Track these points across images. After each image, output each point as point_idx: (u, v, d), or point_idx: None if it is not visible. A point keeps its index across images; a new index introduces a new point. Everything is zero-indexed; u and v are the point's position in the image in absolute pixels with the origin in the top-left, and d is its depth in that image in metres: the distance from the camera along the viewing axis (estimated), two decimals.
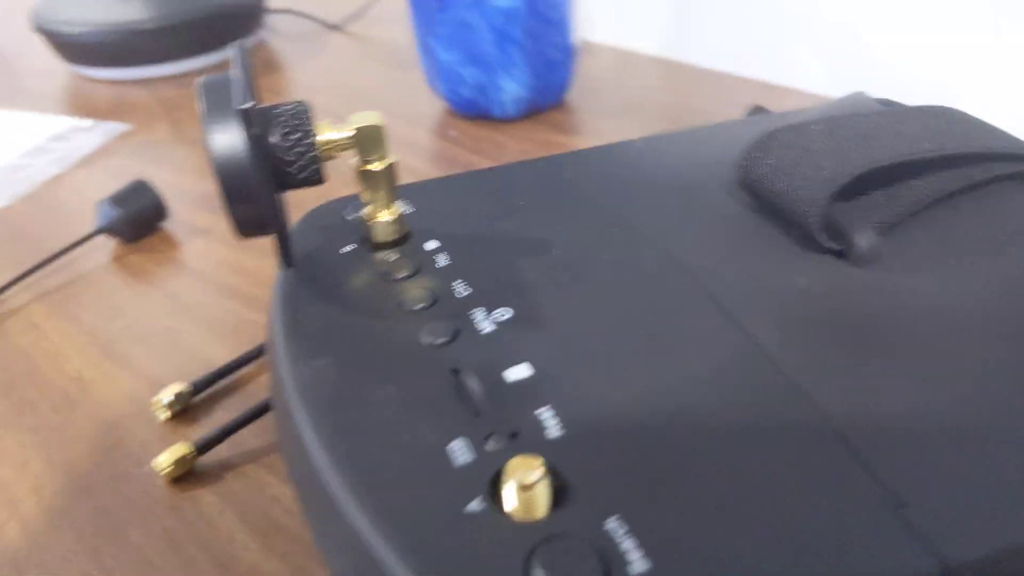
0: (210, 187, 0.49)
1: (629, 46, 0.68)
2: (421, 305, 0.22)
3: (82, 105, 0.62)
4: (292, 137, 0.21)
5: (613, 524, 0.16)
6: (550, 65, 0.53)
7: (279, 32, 0.76)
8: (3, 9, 0.88)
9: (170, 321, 0.37)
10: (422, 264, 0.24)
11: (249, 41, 0.70)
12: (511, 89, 0.52)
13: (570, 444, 0.18)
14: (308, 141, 0.21)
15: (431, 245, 0.25)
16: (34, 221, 0.47)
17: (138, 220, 0.43)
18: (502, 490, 0.16)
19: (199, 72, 0.66)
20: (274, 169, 0.21)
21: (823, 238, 0.24)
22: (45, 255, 0.41)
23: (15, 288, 0.40)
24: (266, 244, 0.43)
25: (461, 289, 0.23)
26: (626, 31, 0.68)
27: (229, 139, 0.20)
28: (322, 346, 0.21)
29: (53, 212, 0.48)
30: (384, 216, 0.24)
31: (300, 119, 0.21)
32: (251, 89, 0.20)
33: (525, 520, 0.16)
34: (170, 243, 0.44)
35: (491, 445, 0.18)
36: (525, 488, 0.16)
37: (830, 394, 0.19)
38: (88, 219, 0.46)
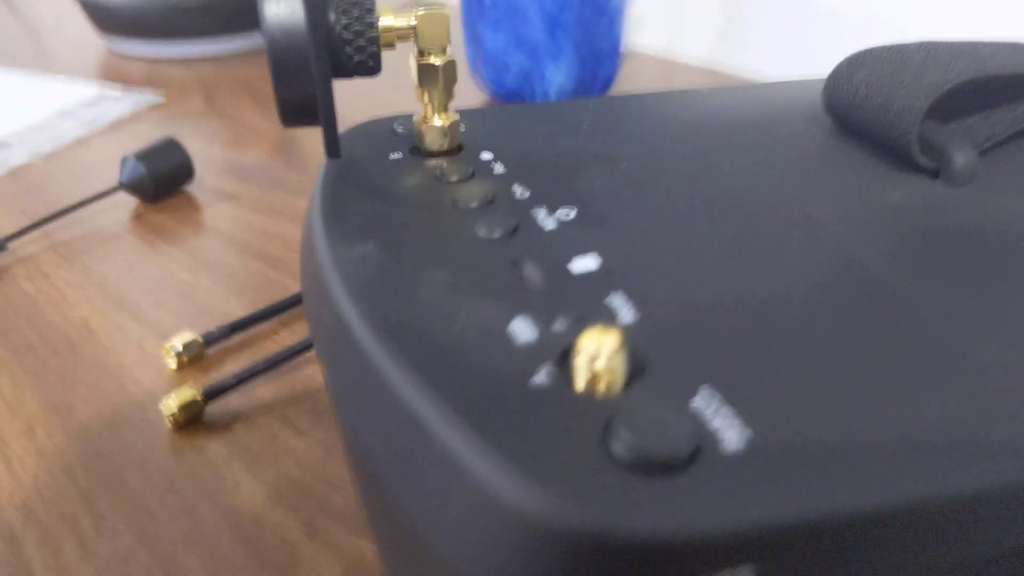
0: (240, 156, 0.47)
1: (675, 54, 0.66)
2: (476, 203, 0.20)
3: (115, 77, 0.60)
4: (352, 16, 0.19)
5: (703, 394, 0.14)
6: (598, 57, 0.51)
7: None
8: None
9: (188, 276, 0.35)
10: (477, 170, 0.21)
11: None
12: (556, 79, 0.50)
13: (645, 326, 0.16)
14: (369, 22, 0.19)
15: (486, 156, 0.22)
16: (54, 179, 0.45)
17: (163, 179, 0.41)
18: (573, 364, 0.14)
19: (238, 54, 0.65)
20: (330, 49, 0.19)
21: (918, 152, 0.21)
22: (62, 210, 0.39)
23: (26, 238, 0.38)
24: (296, 211, 0.40)
25: (520, 191, 0.20)
26: (673, 39, 0.66)
27: (286, 8, 0.18)
28: (366, 234, 0.18)
29: (74, 171, 0.46)
30: (437, 121, 0.22)
31: (366, 4, 0.19)
32: None
33: (600, 395, 0.14)
34: (194, 205, 0.42)
35: (557, 326, 0.15)
36: (601, 358, 0.14)
37: (917, 288, 0.17)
38: (111, 181, 0.44)
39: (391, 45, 0.20)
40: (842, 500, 0.12)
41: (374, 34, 0.19)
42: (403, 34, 0.20)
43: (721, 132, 0.24)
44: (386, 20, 0.20)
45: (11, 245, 0.37)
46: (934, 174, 0.22)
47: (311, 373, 0.28)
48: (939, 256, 0.18)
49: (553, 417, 0.13)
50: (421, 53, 0.21)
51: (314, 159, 0.47)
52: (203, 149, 0.48)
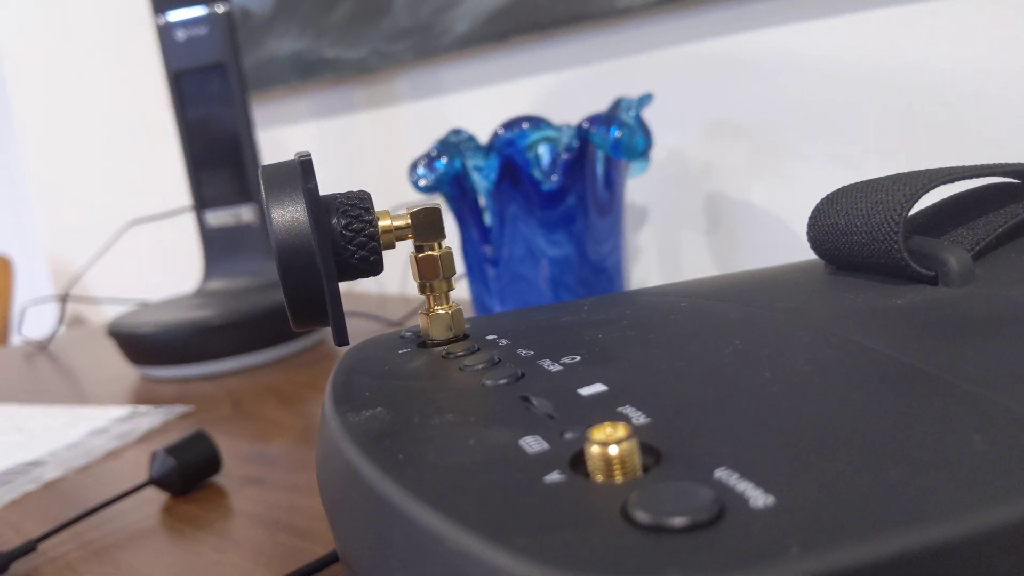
0: (265, 447, 0.48)
1: None
2: (482, 365, 0.20)
3: (147, 399, 0.63)
4: (352, 215, 0.20)
5: (721, 472, 0.13)
6: None
7: None
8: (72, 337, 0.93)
9: (216, 555, 0.34)
10: (483, 346, 0.22)
11: (313, 337, 0.72)
12: None
13: (657, 426, 0.16)
14: (367, 219, 0.21)
15: (491, 337, 0.23)
16: (86, 488, 0.45)
17: (192, 470, 0.42)
18: (587, 455, 0.14)
19: (263, 364, 0.68)
20: (334, 248, 0.20)
21: (909, 259, 0.22)
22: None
23: (56, 539, 0.38)
24: None
25: (524, 352, 0.21)
26: None
27: (291, 212, 0.20)
28: (374, 402, 0.19)
29: (106, 480, 0.46)
30: (440, 310, 0.23)
31: (363, 204, 0.21)
32: (314, 176, 0.20)
33: (617, 481, 0.13)
34: (220, 493, 0.42)
35: (569, 435, 0.15)
36: (613, 446, 0.13)
37: (948, 364, 0.17)
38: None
39: (391, 245, 0.22)
40: (870, 542, 0.12)
41: (373, 230, 0.21)
42: (401, 233, 0.22)
43: (718, 291, 0.25)
44: (384, 221, 0.22)
45: (41, 546, 0.37)
46: (932, 281, 0.22)
47: None
48: (951, 338, 0.18)
49: (571, 505, 0.13)
50: (419, 248, 0.23)
51: None
52: (230, 445, 0.49)
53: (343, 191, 0.22)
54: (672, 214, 0.68)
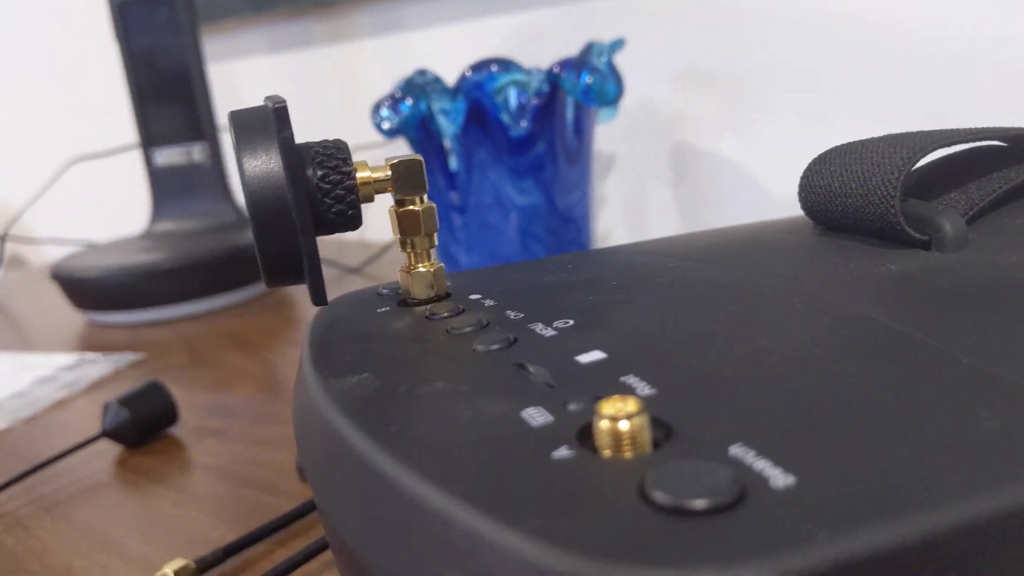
0: (224, 397, 0.46)
1: None
2: (470, 328, 0.19)
3: (95, 347, 0.60)
4: (328, 166, 0.19)
5: (737, 449, 0.13)
6: None
7: None
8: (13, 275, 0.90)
9: (174, 510, 0.33)
10: (468, 307, 0.21)
11: None
12: None
13: (664, 398, 0.15)
14: (345, 171, 0.19)
15: (475, 296, 0.22)
16: (35, 440, 0.43)
17: (147, 422, 0.40)
18: (596, 430, 0.13)
19: (216, 311, 0.66)
20: (310, 201, 0.19)
21: (904, 224, 0.22)
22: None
23: (5, 495, 0.36)
24: (287, 439, 0.39)
25: (513, 315, 0.20)
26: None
27: (264, 163, 0.18)
28: (358, 366, 0.17)
29: (55, 432, 0.44)
30: (422, 268, 0.22)
31: (340, 155, 0.19)
32: (289, 125, 0.18)
33: (627, 457, 0.13)
34: (177, 446, 0.40)
35: (572, 407, 0.14)
36: (623, 420, 0.13)
37: (947, 336, 0.16)
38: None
39: (370, 198, 0.20)
40: (896, 525, 0.11)
41: (351, 182, 0.19)
42: (380, 185, 0.21)
43: (705, 252, 0.25)
44: (362, 173, 0.20)
45: None
46: (925, 246, 0.22)
47: None
48: (948, 307, 0.18)
49: (582, 483, 0.12)
50: (400, 202, 0.21)
51: None
52: (186, 395, 0.47)
53: (317, 140, 0.20)
54: (639, 163, 0.67)
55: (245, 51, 0.96)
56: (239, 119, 0.19)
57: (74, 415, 0.46)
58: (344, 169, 0.19)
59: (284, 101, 0.18)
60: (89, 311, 0.66)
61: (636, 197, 0.68)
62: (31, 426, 0.45)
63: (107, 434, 0.39)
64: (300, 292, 0.70)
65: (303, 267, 0.19)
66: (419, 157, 0.21)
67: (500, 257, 0.51)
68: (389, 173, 0.21)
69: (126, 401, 0.40)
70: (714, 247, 0.26)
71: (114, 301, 0.64)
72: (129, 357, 0.55)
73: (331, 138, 0.20)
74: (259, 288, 0.69)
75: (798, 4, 0.56)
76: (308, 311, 0.64)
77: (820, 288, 0.20)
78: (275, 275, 0.19)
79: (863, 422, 0.14)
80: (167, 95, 0.74)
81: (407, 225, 0.22)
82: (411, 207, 0.21)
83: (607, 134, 0.68)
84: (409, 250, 0.22)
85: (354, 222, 0.20)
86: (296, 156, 0.18)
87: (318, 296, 0.19)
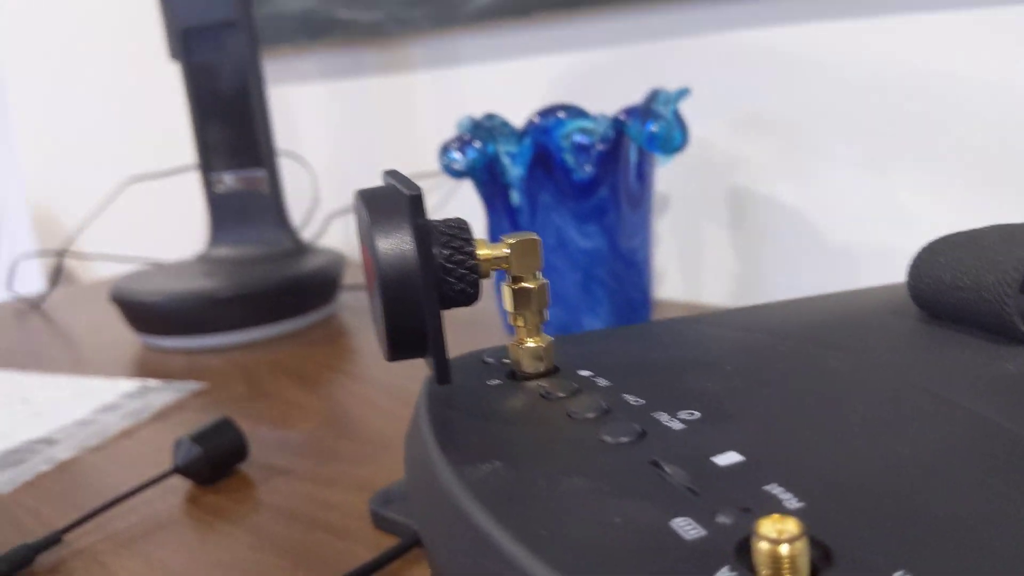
0: (289, 433, 0.47)
1: (698, 299, 0.68)
2: (593, 413, 0.19)
3: (154, 372, 0.61)
4: (453, 247, 0.19)
5: None
6: (631, 305, 0.53)
7: (349, 308, 0.77)
8: (74, 293, 0.91)
9: (252, 554, 0.34)
10: (582, 385, 0.21)
11: (324, 312, 0.71)
12: (594, 328, 0.52)
13: (815, 512, 0.15)
14: (469, 251, 0.20)
15: (585, 372, 0.22)
16: (103, 471, 0.44)
17: (219, 459, 0.41)
18: (755, 554, 0.13)
19: (271, 339, 0.67)
20: (436, 286, 0.19)
21: (1020, 322, 0.22)
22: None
23: (81, 530, 0.37)
24: (354, 480, 0.40)
25: (633, 400, 0.20)
26: (692, 287, 0.68)
27: (397, 243, 0.18)
28: (487, 452, 0.18)
29: (123, 462, 0.45)
30: (531, 343, 0.22)
31: (464, 235, 0.20)
32: (423, 212, 0.19)
33: None
34: (248, 483, 0.41)
35: (722, 519, 0.14)
36: (784, 545, 0.13)
37: None
38: (160, 468, 0.43)
39: (486, 275, 0.21)
40: None
41: (474, 262, 0.20)
42: (498, 263, 0.21)
43: (812, 332, 0.25)
44: (481, 251, 0.21)
45: (66, 537, 0.36)
46: None
47: None
48: None
49: None
50: (514, 279, 0.22)
51: (366, 430, 0.46)
52: (251, 428, 0.48)
53: (439, 219, 0.21)
54: (695, 205, 0.67)
55: (298, 76, 0.97)
56: (371, 199, 0.19)
57: (140, 444, 0.47)
58: (467, 249, 0.20)
59: (419, 189, 0.19)
60: (147, 334, 0.67)
61: (691, 239, 0.68)
62: (98, 455, 0.46)
63: (179, 470, 0.40)
64: (352, 321, 0.70)
65: (427, 344, 0.20)
66: (536, 237, 0.22)
67: (561, 298, 0.51)
68: (507, 251, 0.21)
69: (199, 438, 0.40)
70: (819, 325, 0.25)
71: (173, 326, 0.65)
72: (191, 386, 0.56)
73: (453, 217, 0.21)
74: (309, 318, 0.70)
75: (860, 54, 0.56)
76: (363, 342, 0.64)
77: (943, 386, 0.20)
78: (400, 350, 0.20)
79: (1011, 549, 0.14)
80: (227, 120, 0.75)
81: (521, 301, 0.22)
82: (524, 284, 0.22)
83: (662, 174, 0.68)
84: (521, 323, 0.22)
85: (473, 298, 0.20)
86: (429, 240, 0.19)
87: (443, 375, 0.20)
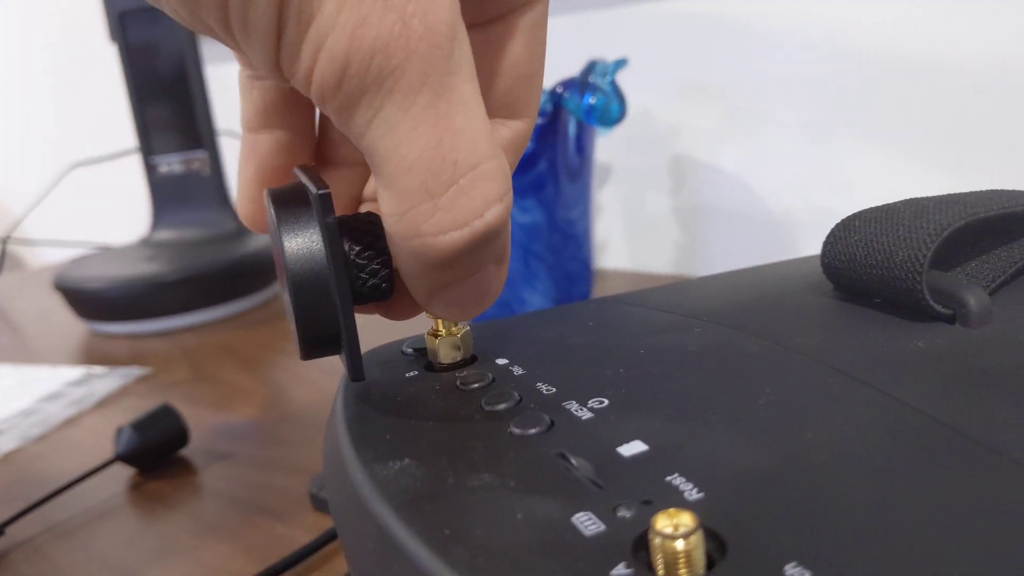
0: (230, 417, 0.47)
1: (643, 268, 0.69)
2: (504, 405, 0.20)
3: (99, 358, 0.61)
4: (364, 242, 0.20)
5: (793, 570, 0.13)
6: (571, 278, 0.53)
7: None
8: (15, 280, 0.90)
9: (192, 540, 0.34)
10: (497, 375, 0.22)
11: (268, 293, 0.71)
12: (534, 302, 0.52)
13: (713, 504, 0.15)
14: (381, 247, 0.20)
15: (502, 361, 0.23)
16: (47, 461, 0.44)
17: (159, 446, 0.41)
18: (652, 549, 0.13)
19: (216, 321, 0.66)
20: (348, 281, 0.19)
21: (930, 301, 0.22)
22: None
23: (23, 522, 0.37)
24: (295, 464, 0.40)
25: (545, 388, 0.21)
26: (637, 257, 0.69)
27: (305, 240, 0.19)
28: (399, 449, 0.18)
29: (67, 452, 0.45)
30: (448, 332, 0.23)
31: (375, 230, 0.20)
32: (332, 211, 0.19)
33: None
34: (190, 469, 0.41)
35: (623, 513, 0.15)
36: (680, 540, 0.13)
37: (986, 428, 0.17)
38: (105, 456, 0.43)
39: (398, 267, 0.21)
40: None
41: (386, 257, 0.20)
42: None
43: (728, 313, 0.25)
44: None
45: (8, 530, 0.36)
46: (949, 319, 0.22)
47: None
48: (982, 393, 0.18)
49: None
50: None
51: (306, 412, 0.47)
52: (193, 413, 0.48)
53: (351, 214, 0.21)
54: (637, 173, 0.68)
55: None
56: (277, 196, 0.20)
57: (84, 433, 0.47)
58: (379, 245, 0.20)
59: (328, 187, 0.19)
60: (91, 321, 0.67)
61: (635, 208, 0.69)
62: (42, 446, 0.46)
63: (121, 458, 0.40)
64: None
65: (341, 343, 0.20)
66: None
67: None
68: None
69: (139, 426, 0.40)
70: (735, 305, 0.26)
71: (117, 312, 0.65)
72: (135, 372, 0.56)
73: (365, 211, 0.21)
74: (252, 300, 0.69)
75: (801, 19, 0.57)
76: None
77: (853, 367, 0.20)
78: (312, 349, 0.20)
79: (915, 538, 0.14)
80: (166, 102, 0.74)
81: None
82: None
83: (604, 144, 0.68)
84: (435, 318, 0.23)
85: (387, 294, 0.20)
86: (339, 239, 0.19)
87: (356, 373, 0.20)
